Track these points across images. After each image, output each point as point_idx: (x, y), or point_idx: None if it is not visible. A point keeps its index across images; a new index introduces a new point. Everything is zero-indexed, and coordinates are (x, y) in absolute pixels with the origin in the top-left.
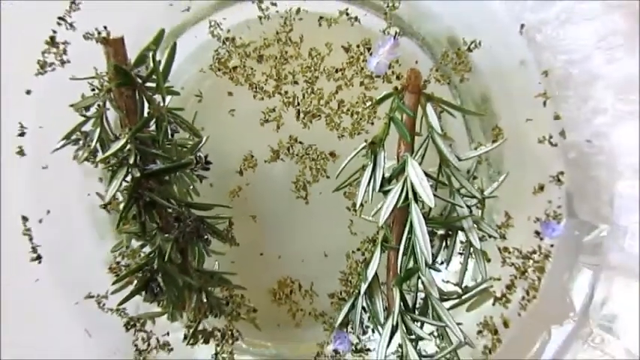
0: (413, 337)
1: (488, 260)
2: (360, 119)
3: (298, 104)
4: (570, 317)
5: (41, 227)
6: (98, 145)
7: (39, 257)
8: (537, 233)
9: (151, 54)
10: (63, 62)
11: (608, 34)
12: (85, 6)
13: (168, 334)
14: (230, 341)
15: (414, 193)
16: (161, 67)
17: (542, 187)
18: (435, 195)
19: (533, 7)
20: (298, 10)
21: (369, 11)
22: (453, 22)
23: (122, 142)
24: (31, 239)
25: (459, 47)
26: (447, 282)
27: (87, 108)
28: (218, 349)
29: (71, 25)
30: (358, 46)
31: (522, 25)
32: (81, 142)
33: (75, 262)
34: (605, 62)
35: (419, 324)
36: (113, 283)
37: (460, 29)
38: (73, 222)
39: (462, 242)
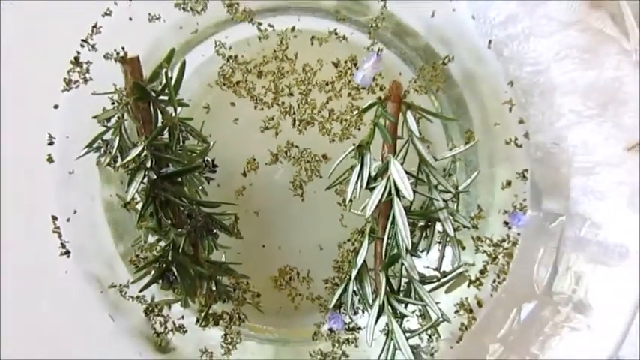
0: (398, 315)
1: (463, 248)
2: (349, 126)
3: (294, 113)
4: (536, 296)
5: (69, 225)
6: (118, 152)
7: (67, 252)
8: (506, 223)
9: (163, 71)
10: (86, 80)
11: (566, 47)
12: (105, 30)
13: (182, 317)
14: (237, 323)
15: (397, 190)
16: (172, 82)
17: (509, 183)
18: (414, 191)
19: (501, 25)
20: (293, 29)
21: (356, 30)
22: (430, 39)
23: (140, 148)
24: (60, 236)
25: (434, 61)
26: (428, 267)
27: (108, 119)
28: (227, 330)
29: (93, 46)
30: (346, 62)
31: (490, 42)
32: (102, 150)
33: (98, 256)
34: (564, 73)
35: (403, 304)
36: (135, 272)
37: (437, 45)
38: (95, 221)
39: (439, 232)
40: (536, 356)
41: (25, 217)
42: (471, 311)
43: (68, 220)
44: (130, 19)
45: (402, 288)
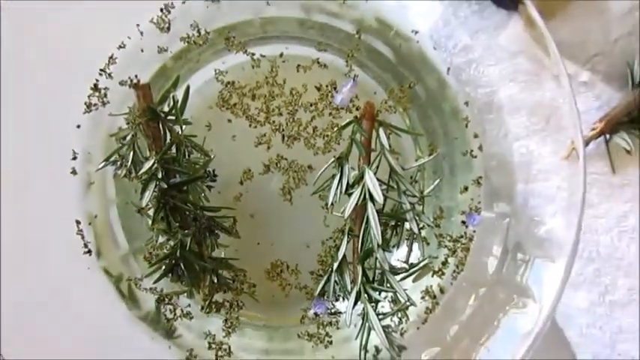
0: (372, 301)
1: (428, 244)
2: (330, 141)
3: (283, 130)
4: (489, 283)
5: (90, 228)
6: (132, 165)
7: (89, 251)
8: (464, 222)
9: (171, 95)
10: (104, 103)
11: (513, 73)
12: (120, 60)
13: (189, 305)
14: (236, 310)
15: (370, 195)
16: (178, 105)
17: (466, 188)
18: (385, 195)
19: (458, 53)
20: (281, 55)
21: (336, 58)
22: (399, 65)
23: (151, 162)
24: (82, 237)
25: (402, 85)
26: (398, 260)
27: (123, 137)
28: (227, 315)
29: (110, 75)
30: (327, 86)
31: (449, 69)
32: (119, 163)
33: (114, 254)
34: (512, 94)
35: (377, 292)
36: (149, 267)
37: (405, 70)
38: (112, 224)
39: (407, 230)
40: (488, 332)
41: (53, 222)
42: (435, 297)
43: (90, 224)
44: (142, 50)
45: (376, 278)
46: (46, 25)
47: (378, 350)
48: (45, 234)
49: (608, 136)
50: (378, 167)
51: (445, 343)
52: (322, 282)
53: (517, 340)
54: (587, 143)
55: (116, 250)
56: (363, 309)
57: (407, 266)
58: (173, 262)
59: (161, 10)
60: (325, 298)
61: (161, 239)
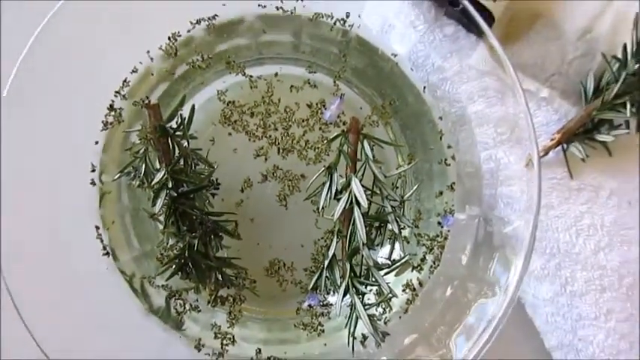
0: (359, 294)
1: (408, 242)
2: (320, 152)
3: (278, 144)
4: (462, 276)
5: (108, 233)
6: (144, 176)
7: (108, 253)
8: (439, 223)
9: (178, 113)
10: (119, 121)
11: (482, 90)
12: (132, 83)
13: (197, 300)
14: (239, 303)
15: (356, 200)
16: (185, 122)
17: (441, 193)
18: (370, 200)
19: (434, 73)
20: (276, 74)
21: (325, 78)
22: (381, 84)
23: (162, 173)
24: (102, 241)
25: (384, 101)
26: (382, 257)
27: (136, 151)
28: (231, 308)
29: (124, 96)
30: (317, 104)
31: (425, 87)
32: (132, 175)
33: (128, 256)
34: (481, 109)
35: (363, 285)
36: (162, 266)
37: (387, 88)
38: (127, 229)
39: (390, 231)
40: (461, 319)
41: (76, 227)
42: (414, 290)
43: (107, 229)
44: (152, 74)
45: (362, 273)
46: (70, 53)
47: (365, 337)
48: (69, 237)
49: (565, 145)
50: (363, 175)
51: (424, 329)
52: (315, 277)
53: (484, 325)
54: (547, 152)
55: (130, 252)
56: (351, 301)
57: (389, 262)
58: (182, 261)
59: (169, 38)
60: (318, 291)
61: (171, 241)
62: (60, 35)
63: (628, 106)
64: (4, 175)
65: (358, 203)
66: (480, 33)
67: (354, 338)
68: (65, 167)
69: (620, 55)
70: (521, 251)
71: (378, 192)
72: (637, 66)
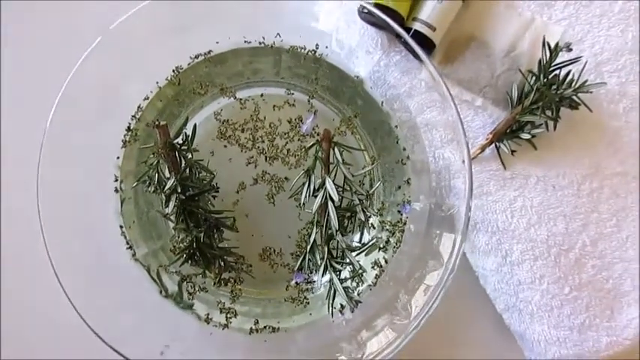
0: (336, 271)
1: (374, 228)
2: (299, 159)
3: (265, 153)
4: (418, 253)
5: (130, 231)
6: (157, 183)
7: (130, 247)
8: (399, 212)
9: (183, 131)
10: (135, 140)
11: (430, 101)
12: (145, 108)
13: (204, 282)
14: (238, 283)
15: (330, 196)
16: (189, 138)
17: (399, 187)
18: (341, 195)
19: (391, 88)
20: (262, 95)
21: (302, 97)
22: (349, 99)
23: (172, 181)
24: (125, 237)
25: (350, 114)
26: (353, 241)
27: (150, 163)
28: (232, 287)
29: (139, 119)
30: (296, 119)
31: (382, 102)
32: (147, 183)
33: (145, 249)
34: (431, 117)
35: (339, 264)
36: (175, 256)
37: (353, 103)
38: (144, 226)
39: (359, 219)
40: (417, 286)
41: (103, 227)
42: (381, 266)
43: (129, 227)
44: (160, 100)
45: (338, 255)
46: (96, 86)
47: (342, 307)
48: (99, 236)
49: (497, 143)
50: (335, 175)
51: (389, 297)
52: (300, 260)
53: (433, 288)
54: (483, 149)
55: (147, 247)
56: (330, 277)
57: (360, 245)
58: (191, 251)
59: (173, 70)
60: (303, 271)
61: (181, 236)
62: (92, 72)
63: (540, 110)
64: (46, 189)
65: (332, 198)
66: (420, 60)
67: (334, 307)
68: (95, 178)
69: (535, 70)
70: (459, 228)
71: (348, 188)
72: (545, 79)
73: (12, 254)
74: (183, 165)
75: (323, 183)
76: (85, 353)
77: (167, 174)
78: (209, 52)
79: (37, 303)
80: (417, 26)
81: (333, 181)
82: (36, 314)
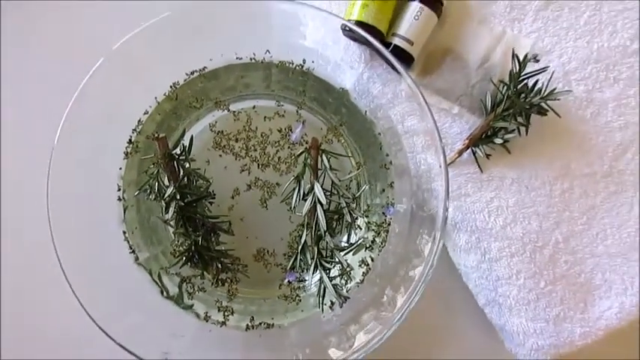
0: (326, 269)
1: (360, 229)
2: (290, 165)
3: (258, 161)
4: (401, 252)
5: (133, 236)
6: (157, 191)
7: (133, 251)
8: (384, 213)
9: (180, 143)
10: (137, 151)
11: (410, 110)
12: (145, 122)
13: (203, 282)
14: (235, 283)
15: (318, 199)
16: (186, 149)
17: (384, 190)
18: (329, 199)
19: (374, 99)
20: (254, 107)
21: (291, 108)
22: (336, 109)
23: (171, 189)
24: (129, 243)
25: (335, 124)
26: (341, 241)
27: (151, 173)
28: (229, 287)
29: (139, 132)
30: (286, 129)
31: (366, 112)
32: (148, 191)
33: (148, 254)
34: (411, 124)
35: (329, 263)
36: (175, 258)
37: (339, 112)
38: (145, 232)
39: (347, 221)
40: (402, 282)
41: (107, 233)
42: (368, 264)
43: (132, 232)
44: (159, 114)
45: (327, 254)
46: (100, 102)
47: (332, 303)
48: (106, 242)
49: (473, 148)
50: (323, 180)
51: (375, 293)
52: (292, 260)
53: (415, 282)
54: (460, 154)
55: (148, 251)
56: (320, 275)
57: (348, 245)
58: (190, 254)
59: (170, 86)
60: (294, 270)
61: (181, 240)
62: (96, 89)
63: (511, 116)
64: (55, 200)
65: (320, 202)
66: (399, 73)
67: (324, 304)
68: (99, 188)
69: (507, 80)
70: (438, 226)
71: (336, 192)
72: (515, 89)
73: (23, 261)
74: (181, 174)
75: (312, 188)
76: (85, 353)
77: (166, 183)
78: (204, 68)
79: (45, 305)
80: (396, 41)
81: (321, 186)
82: (38, 315)
